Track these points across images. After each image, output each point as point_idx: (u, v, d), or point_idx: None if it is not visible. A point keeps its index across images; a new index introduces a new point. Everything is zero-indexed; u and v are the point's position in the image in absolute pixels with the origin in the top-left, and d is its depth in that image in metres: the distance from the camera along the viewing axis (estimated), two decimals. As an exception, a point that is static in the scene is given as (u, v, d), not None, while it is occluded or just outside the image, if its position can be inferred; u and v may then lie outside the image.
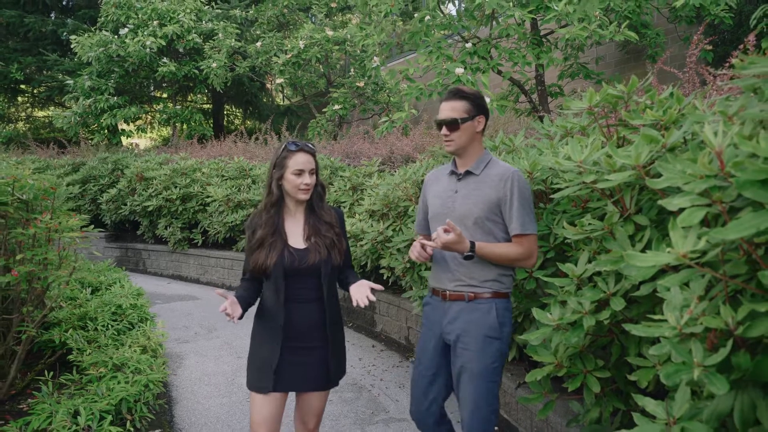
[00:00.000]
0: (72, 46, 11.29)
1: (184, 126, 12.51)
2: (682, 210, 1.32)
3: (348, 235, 5.07)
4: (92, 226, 3.32)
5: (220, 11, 12.83)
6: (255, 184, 8.04)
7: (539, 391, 2.23)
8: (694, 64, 3.27)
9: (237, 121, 18.48)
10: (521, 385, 3.24)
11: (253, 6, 12.40)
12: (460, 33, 5.63)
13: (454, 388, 2.32)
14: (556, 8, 4.17)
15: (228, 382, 4.14)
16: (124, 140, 12.87)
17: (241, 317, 2.16)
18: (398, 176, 4.80)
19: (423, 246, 2.23)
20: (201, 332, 5.51)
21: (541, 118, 5.18)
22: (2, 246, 2.90)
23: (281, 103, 17.20)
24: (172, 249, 8.72)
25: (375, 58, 6.17)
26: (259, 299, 2.38)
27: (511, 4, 4.63)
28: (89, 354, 3.60)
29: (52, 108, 15.25)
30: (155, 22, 11.24)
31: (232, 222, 7.61)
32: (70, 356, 3.60)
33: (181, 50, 11.81)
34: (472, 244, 2.15)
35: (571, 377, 2.14)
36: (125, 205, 9.05)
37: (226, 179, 8.35)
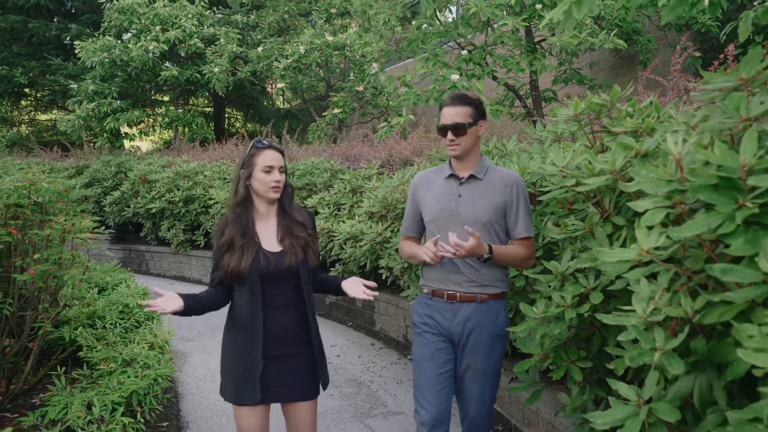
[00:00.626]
0: (76, 51, 11.46)
1: (186, 129, 12.68)
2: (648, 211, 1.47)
3: (348, 237, 5.24)
4: (103, 227, 3.47)
5: (221, 16, 13.01)
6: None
7: (527, 381, 2.38)
8: (678, 73, 3.43)
9: (238, 124, 18.65)
10: (514, 380, 3.40)
11: (254, 11, 12.58)
12: (456, 40, 5.81)
13: (458, 380, 2.37)
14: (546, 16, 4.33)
15: (232, 378, 4.29)
16: (127, 143, 13.03)
17: (182, 314, 2.06)
18: (397, 179, 4.96)
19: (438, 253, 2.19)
20: (205, 331, 5.65)
21: (534, 123, 5.33)
22: (18, 246, 3.05)
23: (281, 107, 17.37)
24: (175, 250, 8.86)
25: (374, 64, 6.32)
26: (228, 307, 2.28)
27: (505, 12, 4.80)
28: (99, 350, 3.74)
29: (55, 111, 15.42)
30: (158, 27, 11.41)
31: (234, 224, 7.75)
32: (80, 353, 3.75)
33: (182, 54, 11.97)
34: (489, 247, 2.19)
35: (557, 368, 2.29)
36: (128, 207, 9.19)
37: (228, 182, 8.49)
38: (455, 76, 4.86)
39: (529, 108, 6.51)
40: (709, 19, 5.07)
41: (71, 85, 12.13)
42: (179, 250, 8.81)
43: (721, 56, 3.12)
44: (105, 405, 2.90)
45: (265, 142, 2.23)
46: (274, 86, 12.92)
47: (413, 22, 5.60)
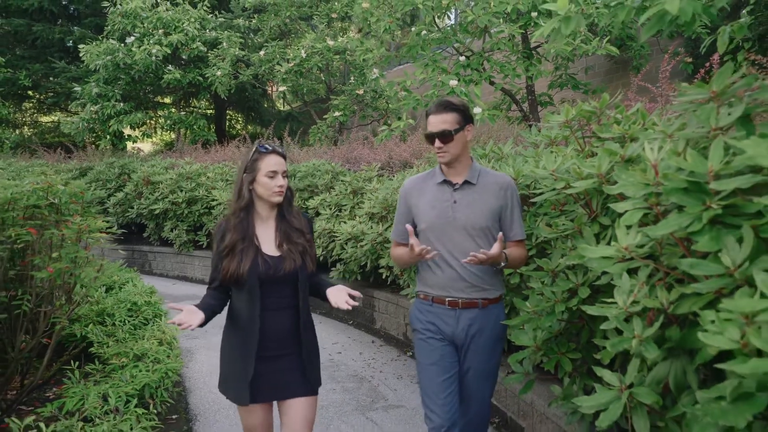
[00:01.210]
0: (81, 55, 11.62)
1: (188, 131, 12.84)
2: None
3: (349, 237, 5.39)
4: (115, 227, 3.61)
5: (223, 20, 13.17)
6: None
7: (521, 372, 2.53)
8: (666, 80, 3.58)
9: (238, 126, 18.81)
10: (510, 373, 3.54)
11: (256, 15, 12.75)
12: (454, 46, 5.97)
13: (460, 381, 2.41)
14: (542, 24, 4.50)
15: (237, 374, 4.43)
16: (129, 145, 13.18)
17: (202, 325, 2.08)
18: (396, 181, 5.10)
19: (422, 252, 2.20)
20: (209, 329, 5.76)
21: (530, 127, 5.48)
22: (35, 245, 3.19)
23: (282, 109, 17.52)
24: (178, 251, 9.00)
25: (375, 69, 6.47)
26: (227, 309, 2.32)
27: (501, 20, 4.96)
28: (110, 346, 3.89)
29: (58, 113, 15.57)
30: (160, 31, 11.58)
31: (236, 225, 7.90)
32: (92, 348, 3.89)
33: (185, 58, 12.13)
34: (505, 254, 2.24)
35: (549, 359, 2.44)
36: (132, 208, 9.33)
37: (230, 183, 8.63)
38: (453, 82, 5.02)
39: (526, 112, 6.67)
40: (699, 26, 5.23)
41: (75, 88, 12.29)
42: (182, 251, 8.95)
43: (707, 64, 3.28)
44: (120, 396, 3.05)
45: (268, 146, 2.23)
46: (275, 89, 13.07)
47: (413, 28, 5.77)
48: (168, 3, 12.33)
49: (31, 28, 14.53)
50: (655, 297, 1.61)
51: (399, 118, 5.87)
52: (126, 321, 4.46)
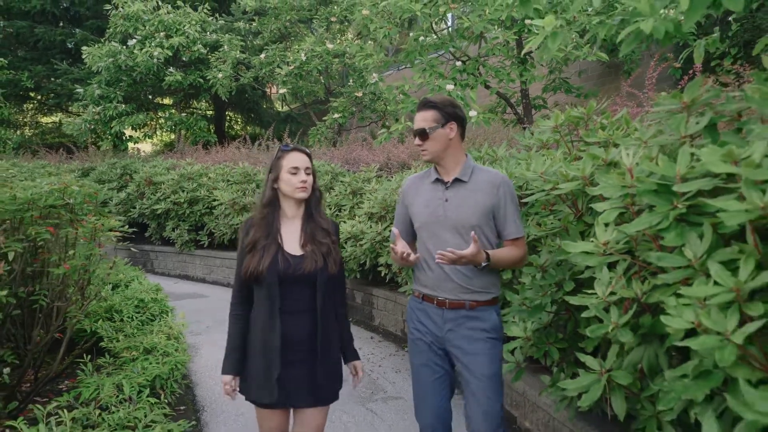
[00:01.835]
0: (83, 57, 11.78)
1: (189, 132, 13.00)
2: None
3: (349, 236, 5.55)
4: (126, 226, 3.77)
5: (223, 23, 13.34)
6: (259, 188, 8.49)
7: (512, 361, 2.70)
8: (652, 86, 3.76)
9: (237, 127, 18.96)
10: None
11: (257, 18, 12.92)
12: (450, 51, 6.15)
13: (463, 389, 2.32)
14: (536, 32, 4.67)
15: (242, 368, 4.60)
16: (131, 146, 13.35)
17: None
18: (395, 181, 5.27)
19: (404, 256, 2.21)
20: (213, 326, 5.95)
21: (525, 130, 5.66)
22: (50, 243, 3.35)
23: (281, 110, 17.69)
24: (179, 250, 9.15)
25: (374, 74, 6.65)
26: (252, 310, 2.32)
27: (496, 26, 5.13)
28: (120, 341, 4.05)
29: (59, 114, 15.71)
30: (162, 34, 11.75)
31: (237, 224, 8.05)
32: (102, 343, 4.05)
33: (185, 60, 12.29)
34: (487, 254, 2.16)
35: (538, 349, 2.61)
36: (134, 208, 9.48)
37: (231, 184, 8.79)
38: (450, 86, 5.20)
39: (520, 115, 6.85)
40: (687, 32, 5.39)
41: (77, 89, 12.45)
42: (183, 250, 9.10)
43: (691, 72, 3.45)
44: (133, 387, 3.21)
45: (290, 145, 2.27)
46: (275, 90, 13.24)
47: (411, 34, 5.95)
48: (169, 6, 12.50)
49: (33, 30, 14.67)
50: (630, 288, 1.79)
51: (396, 120, 6.04)
52: (134, 317, 4.62)
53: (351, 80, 11.27)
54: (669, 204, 1.58)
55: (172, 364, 3.64)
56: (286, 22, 11.61)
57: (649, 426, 1.82)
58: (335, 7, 11.14)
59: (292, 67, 10.01)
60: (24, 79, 14.27)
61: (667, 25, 1.78)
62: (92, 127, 11.90)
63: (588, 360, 2.04)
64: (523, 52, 2.68)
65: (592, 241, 1.74)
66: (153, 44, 11.54)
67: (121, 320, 4.52)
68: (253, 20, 13.16)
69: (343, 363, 2.38)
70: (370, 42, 8.37)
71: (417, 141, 2.28)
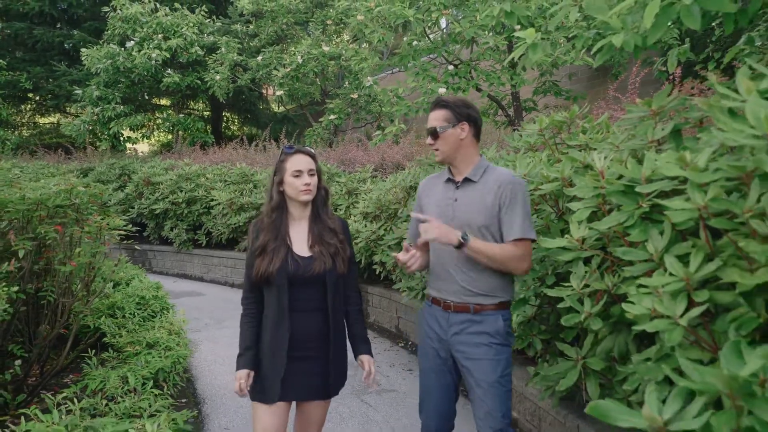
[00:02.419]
0: (82, 59, 11.90)
1: (186, 133, 13.13)
2: (580, 210, 1.95)
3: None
4: (130, 225, 3.91)
5: (221, 25, 13.47)
6: (256, 189, 8.62)
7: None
8: (636, 91, 3.92)
9: (234, 128, 19.09)
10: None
11: (254, 20, 13.06)
12: (443, 55, 6.31)
13: (468, 393, 2.31)
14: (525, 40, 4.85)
15: (240, 363, 4.75)
16: (129, 146, 13.47)
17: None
18: (389, 182, 5.42)
19: (407, 265, 2.23)
20: (211, 323, 6.09)
21: (515, 131, 5.82)
22: (56, 242, 3.49)
23: (277, 111, 17.83)
24: (177, 249, 9.27)
25: (369, 78, 6.80)
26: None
27: (487, 32, 5.30)
28: (122, 336, 4.19)
29: (57, 115, 15.81)
30: (160, 36, 11.88)
31: (235, 224, 8.19)
32: (105, 339, 4.19)
33: (183, 61, 12.42)
34: (464, 234, 2.12)
35: (522, 340, 2.76)
36: (133, 208, 9.60)
37: (228, 184, 8.92)
38: (442, 89, 5.35)
39: (511, 117, 7.01)
40: (672, 38, 5.61)
41: (75, 91, 12.56)
42: (182, 249, 9.22)
43: (670, 77, 3.62)
44: (137, 379, 3.35)
45: (293, 147, 2.26)
46: (272, 91, 13.39)
47: (404, 38, 6.11)
48: (167, 8, 12.62)
49: (31, 31, 14.79)
50: (602, 281, 1.94)
51: (392, 122, 6.19)
52: (135, 313, 4.75)
53: (347, 82, 11.43)
54: (635, 203, 1.73)
55: (174, 358, 3.79)
56: (282, 24, 11.75)
57: (620, 408, 1.97)
58: (331, 10, 11.30)
59: (288, 69, 10.15)
60: (23, 80, 14.39)
61: (636, 39, 1.94)
62: (91, 127, 12.01)
63: (566, 348, 2.21)
64: (506, 61, 2.83)
65: (566, 237, 1.89)
66: (151, 46, 11.67)
67: (123, 317, 4.65)
68: (250, 23, 13.30)
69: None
70: (365, 45, 8.52)
71: (429, 140, 2.29)
